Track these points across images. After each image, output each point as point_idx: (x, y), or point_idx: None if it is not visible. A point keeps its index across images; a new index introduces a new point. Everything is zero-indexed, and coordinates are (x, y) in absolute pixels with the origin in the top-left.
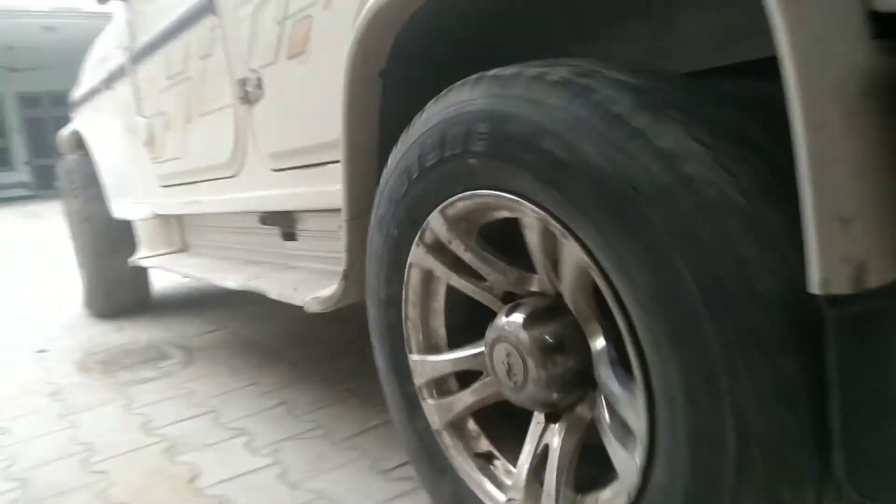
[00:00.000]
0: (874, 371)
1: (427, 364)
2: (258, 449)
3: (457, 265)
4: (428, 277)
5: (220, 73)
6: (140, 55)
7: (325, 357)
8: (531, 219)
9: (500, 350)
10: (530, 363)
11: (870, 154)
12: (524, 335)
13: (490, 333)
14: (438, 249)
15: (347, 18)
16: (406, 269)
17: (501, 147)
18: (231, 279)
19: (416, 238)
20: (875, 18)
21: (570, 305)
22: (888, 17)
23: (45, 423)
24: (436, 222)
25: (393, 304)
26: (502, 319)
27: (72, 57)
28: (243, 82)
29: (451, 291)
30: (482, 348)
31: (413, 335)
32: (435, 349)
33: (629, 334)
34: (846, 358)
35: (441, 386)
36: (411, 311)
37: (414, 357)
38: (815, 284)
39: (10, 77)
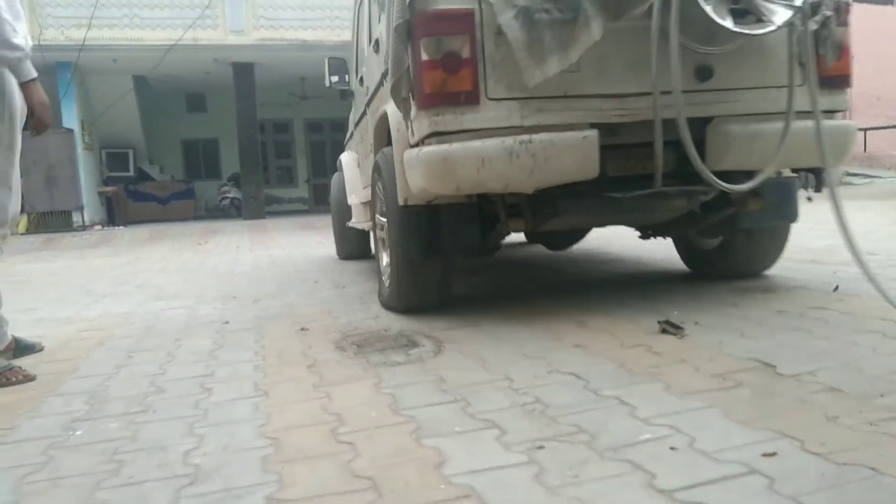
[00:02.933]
0: (414, 225)
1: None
2: (511, 445)
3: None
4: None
5: (367, 141)
6: (355, 124)
7: (586, 361)
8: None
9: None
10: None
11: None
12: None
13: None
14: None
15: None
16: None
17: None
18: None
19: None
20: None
21: None
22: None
23: (301, 392)
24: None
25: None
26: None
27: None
28: (370, 145)
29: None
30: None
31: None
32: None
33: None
34: (406, 221)
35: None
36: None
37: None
38: (399, 201)
39: (301, 104)
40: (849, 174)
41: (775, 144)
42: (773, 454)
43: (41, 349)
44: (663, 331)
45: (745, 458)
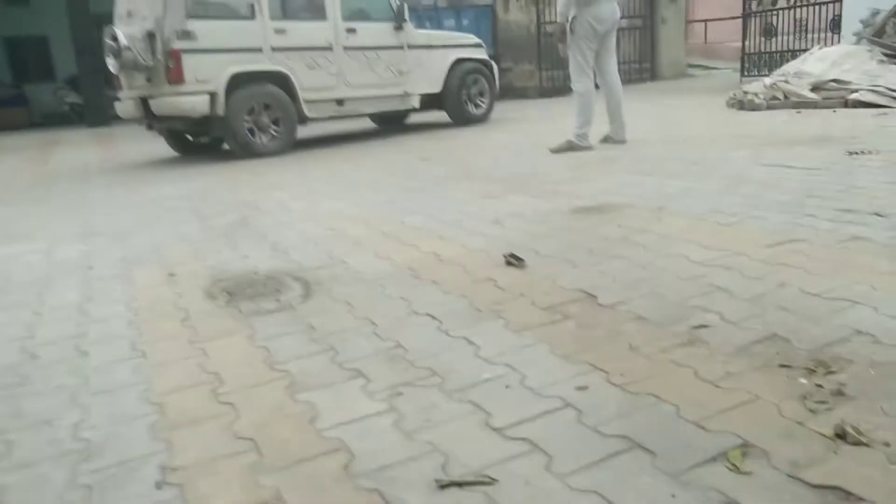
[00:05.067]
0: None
1: None
2: (374, 393)
3: None
4: None
5: None
6: None
7: (440, 299)
8: None
9: None
10: None
11: None
12: None
13: None
14: None
15: None
16: None
17: None
18: None
19: None
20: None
21: None
22: None
23: (178, 349)
24: None
25: None
26: None
27: None
28: None
29: None
30: None
31: None
32: None
33: None
34: None
35: None
36: None
37: None
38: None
39: None
40: (690, 66)
41: None
42: (585, 388)
43: None
44: (508, 263)
45: (563, 393)
